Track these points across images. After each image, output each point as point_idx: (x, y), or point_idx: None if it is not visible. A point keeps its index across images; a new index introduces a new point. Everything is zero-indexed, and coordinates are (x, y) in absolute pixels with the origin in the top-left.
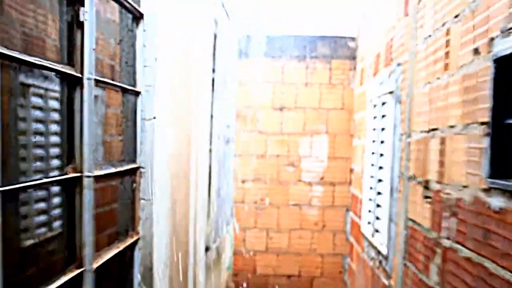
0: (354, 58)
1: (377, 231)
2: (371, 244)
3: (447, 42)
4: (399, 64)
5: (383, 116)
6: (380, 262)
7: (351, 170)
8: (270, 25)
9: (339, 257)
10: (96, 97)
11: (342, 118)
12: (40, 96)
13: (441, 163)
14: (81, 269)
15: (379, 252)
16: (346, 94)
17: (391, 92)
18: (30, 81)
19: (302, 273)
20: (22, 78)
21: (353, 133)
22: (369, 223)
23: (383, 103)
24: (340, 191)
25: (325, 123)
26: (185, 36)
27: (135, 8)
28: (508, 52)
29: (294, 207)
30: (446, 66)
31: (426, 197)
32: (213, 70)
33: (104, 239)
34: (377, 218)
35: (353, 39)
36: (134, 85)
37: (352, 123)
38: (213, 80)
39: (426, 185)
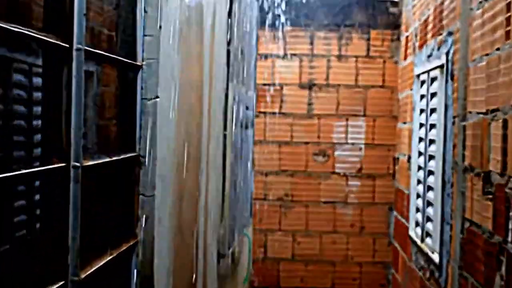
0: (396, 26)
1: (428, 234)
2: (420, 251)
3: (508, 5)
4: (450, 33)
5: (433, 95)
6: (432, 272)
7: (395, 160)
8: None
9: (380, 266)
10: (87, 72)
11: (383, 97)
12: (20, 71)
13: (504, 151)
14: (64, 281)
15: (430, 261)
16: (388, 69)
17: (441, 67)
18: (6, 53)
19: (336, 286)
20: None
21: (397, 115)
22: (417, 224)
23: (433, 80)
24: (382, 186)
25: (363, 103)
26: (195, 1)
27: None
28: None
29: (326, 205)
30: (507, 35)
31: (487, 192)
32: (229, 42)
33: (94, 243)
34: (428, 218)
35: (395, 3)
36: (133, 58)
37: (396, 103)
38: (228, 52)
39: (486, 178)
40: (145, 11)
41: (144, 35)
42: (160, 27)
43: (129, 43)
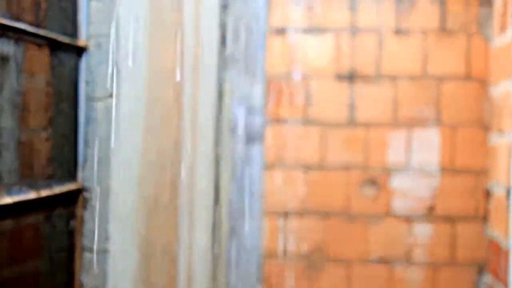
0: None
1: None
2: None
3: None
4: None
5: None
6: None
7: (487, 194)
8: None
9: None
10: (2, 57)
11: (467, 94)
12: None
13: None
14: None
15: None
16: (474, 49)
17: None
18: None
19: None
20: None
21: (490, 122)
22: None
23: None
24: (467, 235)
25: (435, 104)
26: None
27: None
28: None
29: (379, 265)
30: None
31: None
32: (224, 5)
33: None
34: None
35: None
36: (73, 34)
37: (487, 103)
38: (223, 24)
39: None
40: None
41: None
42: None
43: (66, 12)
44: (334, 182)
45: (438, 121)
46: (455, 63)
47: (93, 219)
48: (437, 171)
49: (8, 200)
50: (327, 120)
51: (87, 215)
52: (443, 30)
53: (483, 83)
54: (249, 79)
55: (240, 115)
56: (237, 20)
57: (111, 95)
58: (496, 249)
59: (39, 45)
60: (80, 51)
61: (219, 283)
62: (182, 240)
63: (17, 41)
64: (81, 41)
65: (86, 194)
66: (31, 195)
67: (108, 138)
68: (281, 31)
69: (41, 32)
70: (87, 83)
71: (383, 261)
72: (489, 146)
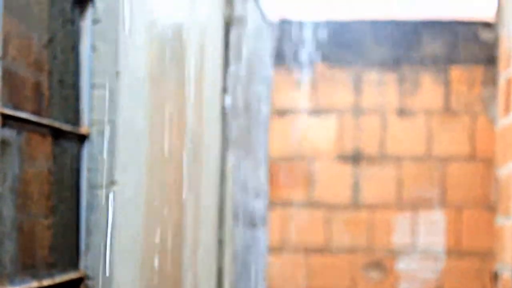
0: (490, 61)
1: None
2: None
3: None
4: None
5: None
6: None
7: (495, 277)
8: (331, 5)
9: None
10: (3, 144)
11: (473, 175)
12: None
13: None
14: None
15: None
16: (479, 129)
17: None
18: None
19: None
20: None
21: (496, 203)
22: None
23: None
24: None
25: (440, 185)
26: (172, 28)
27: None
28: None
29: None
30: None
31: None
32: (225, 89)
33: None
34: None
35: (487, 25)
36: (76, 122)
37: (493, 184)
38: (223, 109)
39: None
40: (94, 49)
41: (93, 87)
42: (118, 73)
43: (68, 99)
44: (339, 265)
45: (444, 202)
46: (460, 143)
47: None
48: (443, 253)
49: None
50: (331, 202)
51: None
52: (447, 110)
53: (489, 163)
54: (252, 162)
55: (244, 200)
56: (237, 103)
57: (113, 182)
58: None
59: (42, 134)
60: (82, 138)
61: None
62: None
63: (19, 130)
64: (83, 129)
65: (88, 283)
66: (33, 284)
67: (110, 226)
68: (284, 113)
69: (44, 120)
70: (89, 170)
71: None
72: (496, 227)
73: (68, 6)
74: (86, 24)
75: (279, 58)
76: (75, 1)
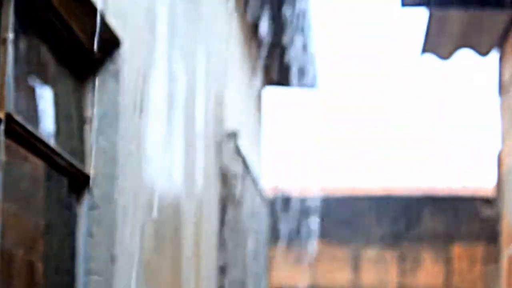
0: (492, 238)
1: None
2: None
3: None
4: None
5: None
6: None
7: None
8: (326, 180)
9: None
10: None
11: None
12: None
13: None
14: None
15: None
16: None
17: None
18: None
19: None
20: None
21: None
22: None
23: None
24: None
25: None
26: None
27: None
28: None
29: None
30: None
31: None
32: (223, 269)
33: None
34: None
35: (487, 202)
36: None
37: None
38: None
39: None
40: (91, 235)
41: (89, 273)
42: (114, 258)
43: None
44: None
45: None
46: None
47: None
48: None
49: None
50: None
51: None
52: (448, 287)
53: None
54: None
55: None
56: (236, 283)
57: None
58: None
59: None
60: None
61: None
62: None
63: None
64: None
65: None
66: None
67: None
68: None
69: None
70: None
71: None
72: None
73: (65, 193)
74: (82, 210)
75: (277, 235)
76: (72, 188)
